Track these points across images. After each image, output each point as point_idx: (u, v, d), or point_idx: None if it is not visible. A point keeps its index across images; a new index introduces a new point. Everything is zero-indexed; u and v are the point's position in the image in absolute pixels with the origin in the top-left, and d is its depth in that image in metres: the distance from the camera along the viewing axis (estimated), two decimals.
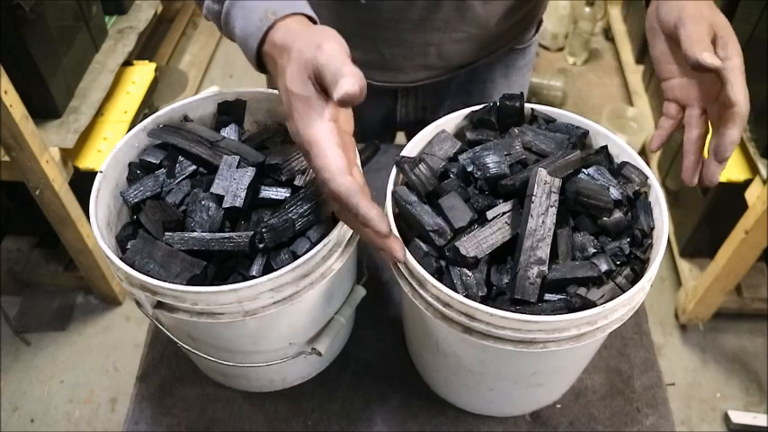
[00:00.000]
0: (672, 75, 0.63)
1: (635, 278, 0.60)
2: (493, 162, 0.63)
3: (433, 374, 0.77)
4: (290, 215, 0.62)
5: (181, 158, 0.68)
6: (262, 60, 0.57)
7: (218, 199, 0.63)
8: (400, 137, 1.15)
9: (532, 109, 0.73)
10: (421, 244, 0.62)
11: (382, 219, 0.49)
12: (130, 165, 0.70)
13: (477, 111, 0.73)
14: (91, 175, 0.88)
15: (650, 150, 0.65)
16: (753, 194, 1.40)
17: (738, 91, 0.57)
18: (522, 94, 0.72)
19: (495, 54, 0.92)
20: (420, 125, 1.01)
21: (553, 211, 0.60)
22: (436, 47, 0.85)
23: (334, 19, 0.81)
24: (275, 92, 0.74)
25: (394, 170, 0.67)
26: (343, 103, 0.47)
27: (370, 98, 1.00)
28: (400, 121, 1.01)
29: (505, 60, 0.95)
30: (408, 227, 0.63)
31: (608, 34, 2.65)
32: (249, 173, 0.64)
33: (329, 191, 0.49)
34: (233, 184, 0.63)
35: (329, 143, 0.49)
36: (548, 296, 0.59)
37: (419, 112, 0.99)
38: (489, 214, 0.61)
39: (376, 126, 1.02)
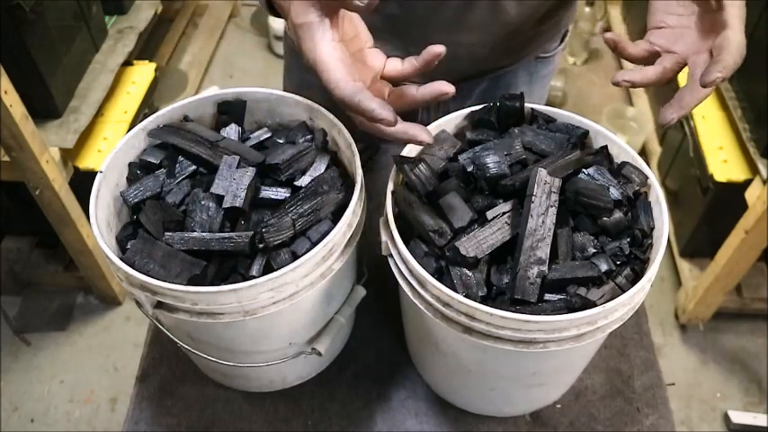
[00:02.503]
0: (665, 24, 0.63)
1: (635, 278, 0.60)
2: (493, 162, 0.63)
3: (433, 374, 0.77)
4: (290, 215, 0.62)
5: (181, 158, 0.68)
6: (273, 5, 0.62)
7: (218, 199, 0.63)
8: None
9: (532, 109, 0.73)
10: (421, 244, 0.62)
11: (384, 107, 0.51)
12: (130, 165, 0.70)
13: (477, 111, 0.73)
14: (91, 175, 0.88)
15: (615, 81, 0.61)
16: (753, 194, 1.40)
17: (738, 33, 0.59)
18: (521, 94, 0.72)
19: (521, 61, 0.92)
20: None
21: (553, 211, 0.60)
22: (465, 49, 0.84)
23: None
24: (275, 92, 0.74)
25: (394, 170, 0.67)
26: (355, 7, 0.51)
27: None
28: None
29: (529, 68, 0.95)
30: (408, 227, 0.63)
31: None
32: (249, 173, 0.64)
33: (337, 99, 0.53)
34: (233, 184, 0.63)
35: (331, 58, 0.53)
36: (548, 296, 0.59)
37: (440, 117, 0.99)
38: (489, 214, 0.61)
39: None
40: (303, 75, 1.00)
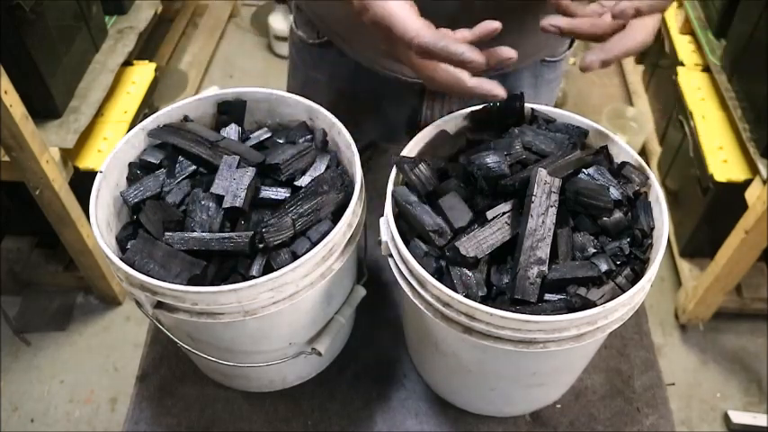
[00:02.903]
0: None
1: (635, 278, 0.60)
2: (493, 162, 0.63)
3: (433, 374, 0.77)
4: (290, 215, 0.62)
5: (181, 158, 0.68)
6: None
7: (218, 199, 0.63)
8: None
9: (532, 109, 0.73)
10: (421, 244, 0.62)
11: (472, 49, 0.51)
12: (130, 165, 0.70)
13: (477, 111, 0.73)
14: (91, 175, 0.88)
15: (541, 26, 0.59)
16: (753, 194, 1.40)
17: None
18: (522, 93, 0.72)
19: (526, 62, 0.92)
20: None
21: (553, 211, 0.60)
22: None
23: None
24: (275, 92, 0.74)
25: (394, 170, 0.67)
26: None
27: (396, 97, 0.99)
28: (424, 125, 1.01)
29: (535, 71, 0.95)
30: (408, 227, 0.63)
31: None
32: (249, 173, 0.64)
33: (419, 46, 0.51)
34: (233, 184, 0.63)
35: (404, 10, 0.53)
36: (548, 296, 0.59)
37: (444, 114, 0.99)
38: (489, 214, 0.61)
39: (399, 128, 1.02)
40: (309, 72, 1.00)
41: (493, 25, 0.55)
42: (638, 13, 0.55)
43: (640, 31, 0.58)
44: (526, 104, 0.72)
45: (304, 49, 0.98)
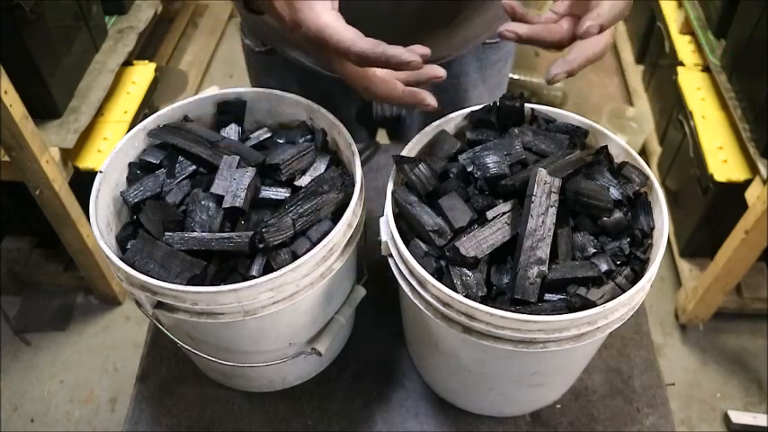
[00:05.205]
0: None
1: (635, 278, 0.60)
2: (493, 162, 0.63)
3: (433, 374, 0.77)
4: (290, 215, 0.62)
5: (181, 158, 0.68)
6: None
7: (218, 199, 0.63)
8: (381, 135, 1.15)
9: (532, 109, 0.73)
10: (421, 244, 0.62)
11: (409, 50, 0.51)
12: (130, 165, 0.70)
13: (477, 111, 0.73)
14: (91, 175, 0.88)
15: (499, 32, 0.58)
16: (753, 194, 1.40)
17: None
18: (522, 94, 0.72)
19: (468, 47, 0.92)
20: (396, 122, 1.02)
21: (553, 211, 0.60)
22: (405, 42, 0.84)
23: None
24: (275, 92, 0.74)
25: (394, 170, 0.67)
26: None
27: (346, 94, 1.01)
28: (376, 119, 1.02)
29: (478, 55, 0.96)
30: (408, 227, 0.63)
31: None
32: (249, 173, 0.64)
33: (357, 54, 0.51)
34: (233, 184, 0.63)
35: (338, 22, 0.52)
36: (548, 296, 0.59)
37: (394, 109, 1.00)
38: (489, 214, 0.61)
39: (352, 123, 1.03)
40: (262, 78, 1.03)
41: (424, 50, 0.55)
42: (603, 29, 0.55)
43: (600, 37, 0.58)
44: (526, 105, 0.72)
45: (253, 57, 1.00)
